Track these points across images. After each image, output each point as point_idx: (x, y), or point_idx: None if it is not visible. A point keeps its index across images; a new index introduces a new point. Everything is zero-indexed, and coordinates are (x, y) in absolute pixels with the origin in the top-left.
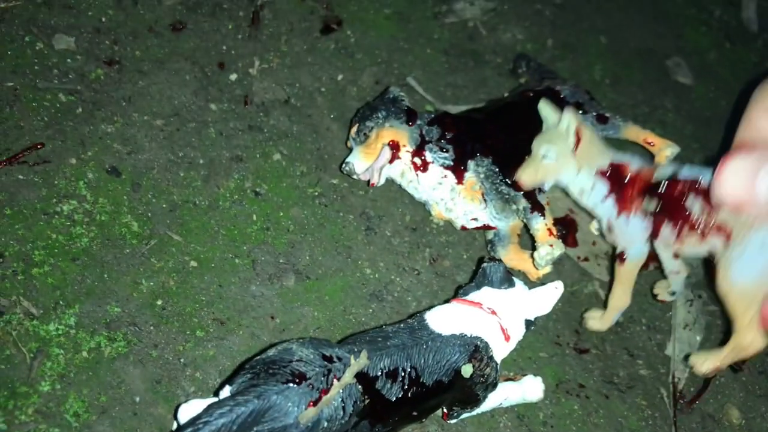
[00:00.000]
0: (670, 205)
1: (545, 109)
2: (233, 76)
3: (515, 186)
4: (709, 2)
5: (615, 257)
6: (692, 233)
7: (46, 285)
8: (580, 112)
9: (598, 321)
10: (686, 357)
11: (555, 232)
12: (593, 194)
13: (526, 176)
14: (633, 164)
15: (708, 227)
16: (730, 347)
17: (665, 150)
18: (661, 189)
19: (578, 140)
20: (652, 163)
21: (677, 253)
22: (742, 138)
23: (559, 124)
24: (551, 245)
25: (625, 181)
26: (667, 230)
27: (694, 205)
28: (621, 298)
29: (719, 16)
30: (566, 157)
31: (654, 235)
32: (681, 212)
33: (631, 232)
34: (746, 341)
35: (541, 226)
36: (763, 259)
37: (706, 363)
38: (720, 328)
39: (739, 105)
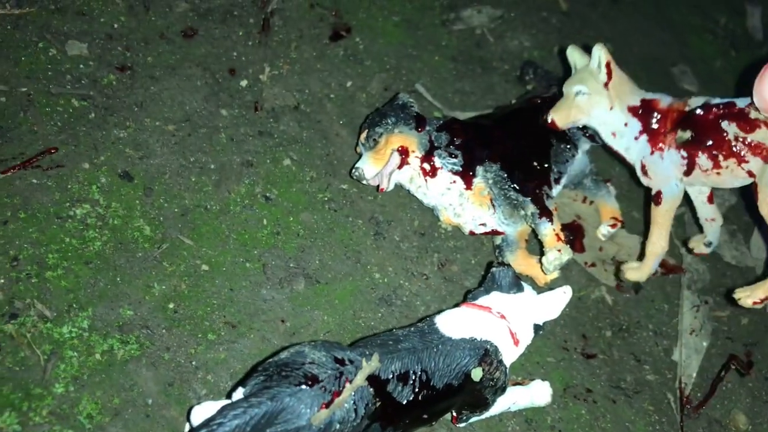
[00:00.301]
0: (704, 131)
1: (574, 53)
2: (244, 82)
3: (524, 191)
4: (715, 11)
5: (650, 198)
6: (729, 158)
7: (59, 288)
8: None
9: (636, 271)
10: (729, 292)
11: (563, 237)
12: (626, 133)
13: (559, 116)
14: (664, 100)
15: (744, 149)
16: None
17: None
18: (695, 116)
19: (609, 74)
20: (682, 99)
21: (711, 197)
22: None
23: (591, 62)
24: (559, 250)
25: (658, 116)
26: (703, 158)
27: (729, 128)
28: (658, 242)
29: (724, 25)
30: (599, 92)
31: (690, 166)
32: (717, 136)
33: (666, 168)
34: None
35: (549, 231)
36: None
37: (754, 293)
38: (726, 334)
39: None
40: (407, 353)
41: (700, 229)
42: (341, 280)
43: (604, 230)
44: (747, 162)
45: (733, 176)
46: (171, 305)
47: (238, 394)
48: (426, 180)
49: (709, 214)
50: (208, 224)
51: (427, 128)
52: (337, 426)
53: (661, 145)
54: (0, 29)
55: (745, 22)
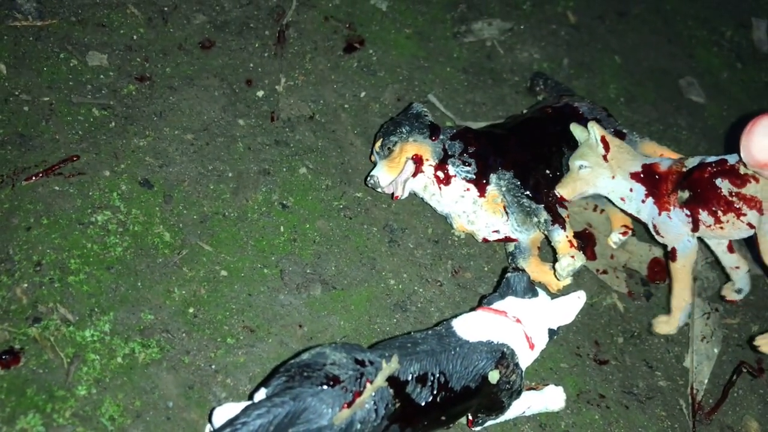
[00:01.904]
0: (701, 189)
1: (575, 129)
2: (260, 93)
3: (537, 199)
4: (721, 24)
5: (667, 257)
6: (727, 213)
7: (81, 292)
8: None
9: (666, 324)
10: (751, 339)
11: (576, 244)
12: (633, 198)
13: (566, 190)
14: (663, 163)
15: (739, 203)
16: None
17: (684, 162)
18: (691, 176)
19: (606, 146)
20: (679, 160)
21: (731, 246)
22: None
23: (588, 138)
24: (572, 256)
25: (659, 179)
26: (704, 215)
27: (722, 185)
28: (681, 296)
29: (730, 37)
30: (600, 165)
31: (695, 223)
32: (713, 193)
33: (676, 226)
34: None
35: (562, 238)
36: None
37: None
38: (736, 341)
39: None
40: (426, 355)
41: (727, 278)
42: (357, 286)
43: (615, 238)
44: (744, 215)
45: (735, 229)
46: (191, 310)
47: (261, 394)
48: (440, 188)
49: (732, 262)
50: (226, 231)
51: (441, 137)
52: (358, 426)
53: (667, 205)
54: (23, 41)
55: (750, 34)
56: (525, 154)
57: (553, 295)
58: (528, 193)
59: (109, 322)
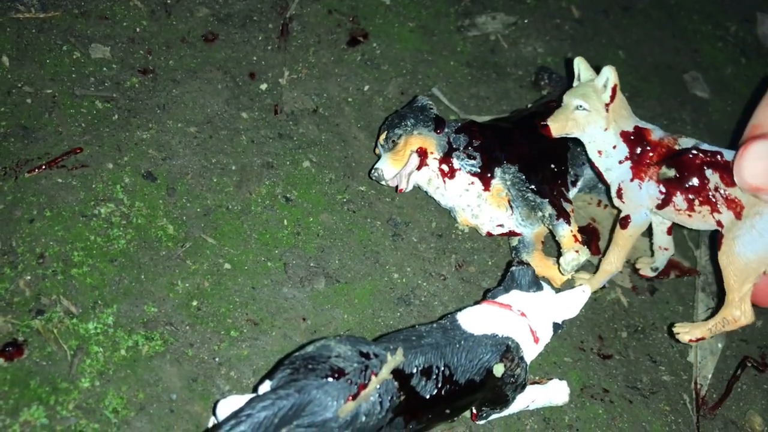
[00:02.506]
0: (688, 173)
1: (581, 64)
2: (263, 86)
3: (541, 193)
4: (725, 18)
5: (618, 221)
6: (704, 205)
7: (85, 285)
8: None
9: (587, 282)
10: (670, 326)
11: (580, 239)
12: (612, 155)
13: (556, 125)
14: (656, 132)
15: (721, 201)
16: (719, 318)
17: None
18: (683, 157)
19: (613, 96)
20: (672, 135)
21: (670, 229)
22: (757, 121)
23: (597, 79)
24: (577, 251)
25: (647, 147)
26: (680, 199)
27: (711, 177)
28: (615, 262)
29: (735, 32)
30: (598, 111)
31: (665, 202)
32: (699, 182)
33: (641, 197)
34: (736, 314)
35: (566, 232)
36: None
37: (691, 332)
38: (740, 336)
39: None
40: (430, 348)
41: (652, 254)
42: (360, 280)
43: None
44: (720, 213)
45: (702, 221)
46: (194, 303)
47: (265, 386)
48: (444, 181)
49: (664, 243)
50: (230, 224)
51: (446, 130)
52: (363, 418)
53: (642, 174)
54: (25, 33)
55: (755, 29)
56: (530, 148)
57: (557, 290)
58: (533, 187)
59: (113, 315)
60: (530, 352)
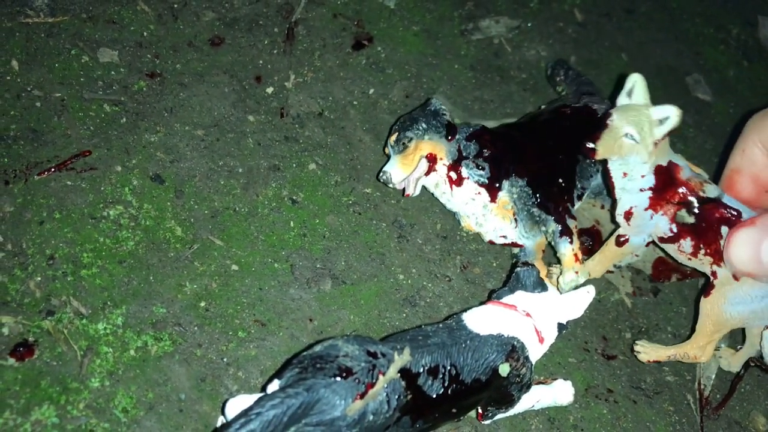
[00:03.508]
0: (704, 225)
1: (639, 84)
2: (269, 89)
3: (547, 210)
4: (727, 21)
5: (615, 236)
6: (709, 256)
7: (94, 286)
8: None
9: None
10: (635, 342)
11: (581, 258)
12: (636, 182)
13: (603, 149)
14: (684, 171)
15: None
16: (681, 352)
17: None
18: (704, 208)
19: (667, 135)
20: (698, 175)
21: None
22: (735, 166)
23: (654, 110)
24: (576, 272)
25: (673, 185)
26: (687, 243)
27: (724, 235)
28: (597, 269)
29: (737, 35)
30: (646, 144)
31: (672, 240)
32: (711, 236)
33: (649, 226)
34: (695, 353)
35: (568, 251)
36: (759, 305)
37: (649, 353)
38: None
39: (737, 127)
40: (437, 348)
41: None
42: (366, 281)
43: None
44: (720, 267)
45: (698, 265)
46: (202, 303)
47: (274, 385)
48: (451, 188)
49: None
50: (237, 226)
51: (457, 137)
52: (371, 417)
53: (658, 208)
54: (34, 37)
55: (756, 32)
56: (540, 161)
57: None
58: (539, 202)
59: (122, 316)
60: (535, 352)
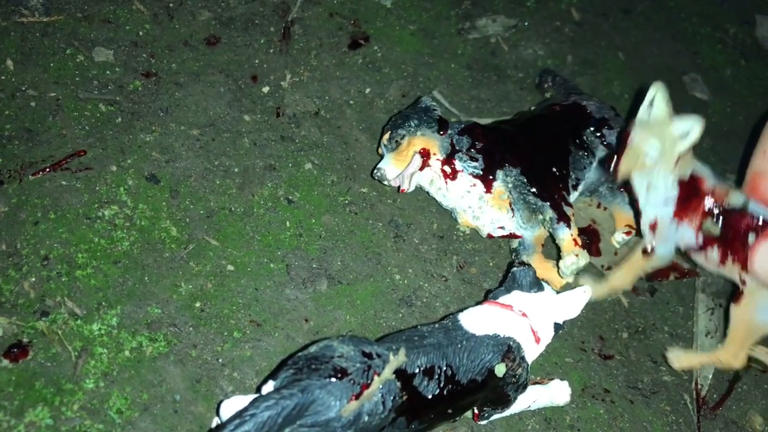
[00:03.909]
0: (732, 236)
1: (661, 96)
2: (265, 89)
3: (543, 197)
4: (725, 21)
5: (642, 247)
6: (737, 263)
7: (89, 286)
8: (606, 127)
9: (591, 287)
10: (665, 348)
11: (580, 242)
12: (660, 194)
13: (625, 167)
14: (709, 180)
15: None
16: (715, 358)
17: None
18: (731, 218)
19: (687, 152)
20: (725, 183)
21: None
22: (757, 168)
23: (675, 125)
24: (576, 255)
25: (697, 196)
26: (714, 253)
27: (752, 242)
28: (625, 281)
29: (734, 34)
30: (668, 160)
31: (698, 250)
32: (738, 245)
33: (675, 236)
34: (729, 359)
35: (566, 236)
36: None
37: (683, 360)
38: None
39: (757, 127)
40: (433, 348)
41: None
42: (362, 281)
43: (619, 237)
44: (747, 274)
45: (725, 271)
46: (198, 304)
47: (269, 386)
48: (446, 182)
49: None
50: (232, 226)
51: (449, 132)
52: (366, 418)
53: (683, 218)
54: (29, 36)
55: (754, 31)
56: (532, 151)
57: (557, 293)
58: (534, 190)
59: (117, 316)
60: (532, 352)
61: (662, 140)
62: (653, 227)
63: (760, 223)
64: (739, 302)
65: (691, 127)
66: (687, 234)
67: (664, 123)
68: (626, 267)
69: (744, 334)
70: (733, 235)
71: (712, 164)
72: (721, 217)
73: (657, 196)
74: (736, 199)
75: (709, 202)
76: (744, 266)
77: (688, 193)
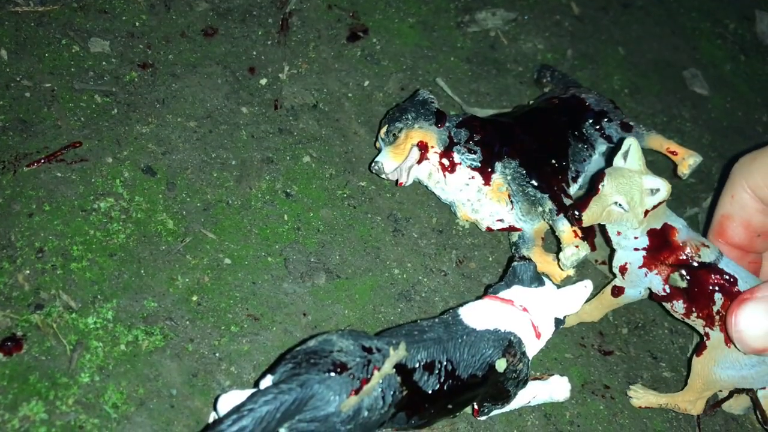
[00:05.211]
0: (697, 290)
1: (634, 147)
2: (263, 81)
3: (542, 188)
4: (724, 16)
5: (612, 287)
6: (701, 318)
7: (84, 279)
8: (605, 119)
9: (567, 319)
10: (629, 385)
11: (580, 234)
12: (630, 241)
13: (590, 216)
14: (682, 232)
15: (718, 321)
16: (672, 402)
17: (688, 159)
18: (699, 273)
19: (656, 206)
20: (697, 236)
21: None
22: (725, 212)
23: (646, 180)
24: (577, 246)
25: (668, 246)
26: (680, 305)
27: (717, 300)
28: (593, 316)
29: (734, 30)
30: (636, 214)
31: (665, 300)
32: (703, 302)
33: (643, 282)
34: (686, 406)
35: (566, 227)
36: (750, 371)
37: (643, 399)
38: None
39: (725, 165)
40: (433, 343)
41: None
42: (361, 276)
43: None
44: (712, 330)
45: (690, 323)
46: (194, 298)
47: (267, 381)
48: (445, 175)
49: None
50: (230, 219)
51: (447, 124)
52: (366, 413)
53: (653, 267)
54: (24, 26)
55: (754, 27)
56: (531, 143)
57: (557, 286)
58: (533, 182)
59: (112, 310)
60: (532, 347)
61: (631, 194)
62: (623, 270)
63: (729, 281)
64: (701, 355)
65: (660, 186)
66: (655, 281)
67: (635, 176)
68: (596, 302)
69: (702, 386)
70: (699, 290)
71: (712, 160)
72: (688, 272)
73: (627, 242)
74: (707, 254)
75: (677, 256)
76: (708, 322)
77: (659, 244)
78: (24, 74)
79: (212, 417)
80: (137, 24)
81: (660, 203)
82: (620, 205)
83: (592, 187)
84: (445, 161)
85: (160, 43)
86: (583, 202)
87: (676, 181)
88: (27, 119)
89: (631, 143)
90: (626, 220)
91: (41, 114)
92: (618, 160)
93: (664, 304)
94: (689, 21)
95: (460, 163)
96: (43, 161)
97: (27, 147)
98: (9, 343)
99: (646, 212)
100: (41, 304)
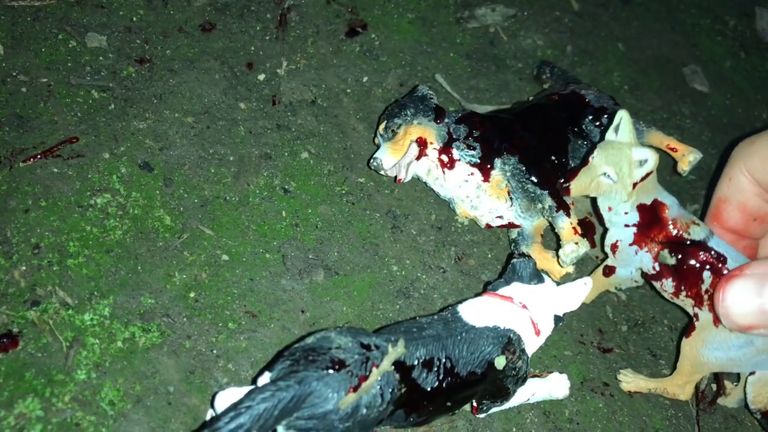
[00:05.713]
0: (686, 269)
1: (626, 122)
2: (261, 76)
3: (541, 185)
4: (724, 12)
5: (603, 267)
6: (690, 297)
7: (80, 276)
8: (605, 116)
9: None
10: (619, 370)
11: (579, 231)
12: (621, 217)
13: (578, 186)
14: (672, 209)
15: (706, 301)
16: (662, 387)
17: (688, 156)
18: (689, 250)
19: (646, 176)
20: (688, 214)
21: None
22: (722, 194)
23: (636, 152)
24: (576, 243)
25: (658, 223)
26: (669, 283)
27: (706, 279)
28: (586, 298)
29: (734, 27)
30: (625, 186)
31: (654, 278)
32: (693, 279)
33: (634, 261)
34: (675, 390)
35: (566, 224)
36: (737, 353)
37: (632, 383)
38: None
39: (722, 158)
40: (432, 340)
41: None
42: (359, 272)
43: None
44: (701, 310)
45: (681, 304)
46: (192, 294)
47: (265, 378)
48: (444, 172)
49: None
50: (227, 215)
51: (446, 120)
52: (364, 410)
53: (643, 244)
54: (20, 21)
55: (754, 24)
56: (531, 139)
57: (556, 283)
58: (533, 178)
59: (109, 306)
60: (532, 344)
61: (620, 165)
62: (614, 249)
63: (718, 259)
64: (690, 336)
65: (648, 157)
66: (645, 260)
67: (625, 147)
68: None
69: (691, 369)
70: (688, 268)
71: (711, 156)
72: (677, 249)
73: (618, 218)
74: (697, 232)
75: (667, 231)
76: (697, 301)
77: (649, 220)
78: (20, 69)
79: (210, 414)
80: (134, 19)
81: (648, 174)
82: (609, 176)
83: (585, 161)
84: (444, 157)
85: (158, 38)
86: (572, 173)
87: (676, 178)
88: (23, 114)
89: (622, 116)
90: (615, 192)
91: (38, 109)
92: (610, 134)
93: (653, 283)
94: (689, 17)
95: (459, 160)
96: (39, 157)
97: (23, 142)
98: (5, 340)
99: (635, 185)
100: (37, 300)
